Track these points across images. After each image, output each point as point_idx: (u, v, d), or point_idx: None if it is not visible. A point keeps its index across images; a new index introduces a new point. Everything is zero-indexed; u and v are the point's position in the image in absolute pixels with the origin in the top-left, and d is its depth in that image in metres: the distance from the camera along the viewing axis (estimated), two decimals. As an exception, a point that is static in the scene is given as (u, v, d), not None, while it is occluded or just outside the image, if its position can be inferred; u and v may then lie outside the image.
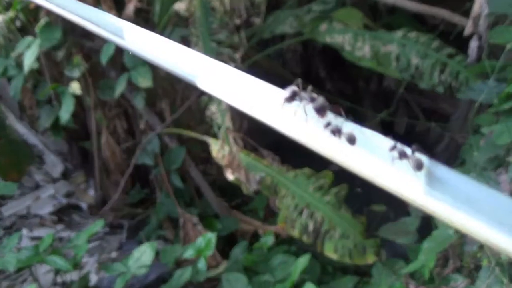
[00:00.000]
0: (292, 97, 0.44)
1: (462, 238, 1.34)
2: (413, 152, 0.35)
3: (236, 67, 2.00)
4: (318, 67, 2.69)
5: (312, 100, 0.44)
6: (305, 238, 1.62)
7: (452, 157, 2.01)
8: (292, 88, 0.44)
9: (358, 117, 2.54)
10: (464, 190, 0.28)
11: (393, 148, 0.36)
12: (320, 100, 0.43)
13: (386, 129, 2.47)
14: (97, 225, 1.61)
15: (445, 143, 2.20)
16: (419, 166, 0.34)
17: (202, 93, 1.85)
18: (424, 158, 0.31)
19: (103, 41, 1.82)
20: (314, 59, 2.69)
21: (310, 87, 0.48)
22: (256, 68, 2.41)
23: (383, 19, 2.28)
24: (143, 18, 1.91)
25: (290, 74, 2.63)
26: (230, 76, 0.40)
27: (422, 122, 2.41)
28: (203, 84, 0.39)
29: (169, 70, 0.42)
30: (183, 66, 0.40)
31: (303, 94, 0.41)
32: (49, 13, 1.87)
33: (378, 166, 0.32)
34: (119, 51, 1.84)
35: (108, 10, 1.84)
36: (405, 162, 0.32)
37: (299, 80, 0.39)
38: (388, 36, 1.88)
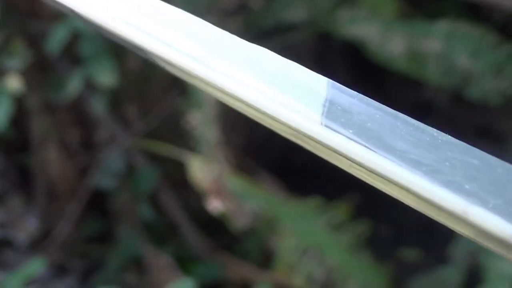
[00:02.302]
0: None
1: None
2: None
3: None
4: (338, 68, 2.70)
5: None
6: (311, 290, 1.62)
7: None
8: None
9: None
10: (364, 119, 0.31)
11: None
12: None
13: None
14: (37, 265, 1.60)
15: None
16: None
17: (181, 93, 1.86)
18: (325, 82, 0.33)
19: (55, 20, 1.83)
20: (333, 56, 2.70)
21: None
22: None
23: (425, 6, 2.29)
24: None
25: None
26: None
27: (472, 143, 2.41)
28: None
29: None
30: None
31: None
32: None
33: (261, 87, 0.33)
34: (75, 37, 1.85)
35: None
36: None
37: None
38: (427, 28, 1.89)
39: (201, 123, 1.77)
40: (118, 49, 1.86)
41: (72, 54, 1.94)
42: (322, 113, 0.31)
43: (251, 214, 1.71)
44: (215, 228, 2.10)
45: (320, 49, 2.62)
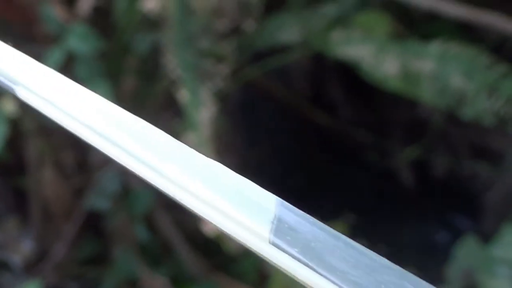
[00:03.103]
0: None
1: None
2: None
3: (223, 86, 2.01)
4: (333, 89, 2.70)
5: None
6: (307, 310, 1.61)
7: (505, 207, 2.02)
8: None
9: (383, 153, 2.55)
10: (309, 238, 0.32)
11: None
12: None
13: (419, 170, 2.47)
14: (33, 287, 1.60)
15: (497, 190, 2.20)
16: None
17: (176, 115, 1.86)
18: (274, 200, 0.34)
19: (51, 43, 1.83)
20: (328, 78, 2.70)
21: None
22: (251, 88, 2.42)
23: (418, 26, 2.30)
24: (100, 19, 1.93)
25: (295, 97, 2.65)
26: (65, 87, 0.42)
27: (467, 163, 2.42)
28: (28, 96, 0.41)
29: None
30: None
31: None
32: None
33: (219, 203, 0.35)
34: (71, 59, 1.85)
35: (56, 5, 1.86)
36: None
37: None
38: (421, 49, 1.89)
39: (195, 144, 1.78)
40: (113, 71, 1.87)
41: (67, 76, 1.94)
42: (271, 230, 0.32)
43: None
44: (210, 249, 2.10)
45: (314, 70, 2.63)
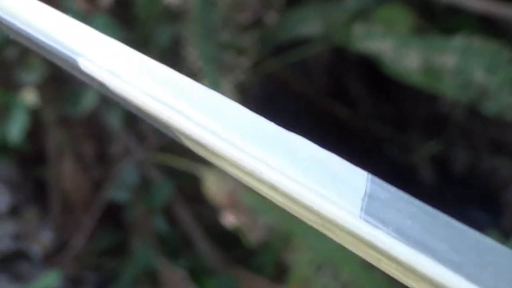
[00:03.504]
0: None
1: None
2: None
3: (244, 79, 2.01)
4: (353, 83, 2.69)
5: None
6: (325, 304, 1.62)
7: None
8: None
9: (403, 148, 2.54)
10: (403, 216, 0.31)
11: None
12: None
13: (439, 165, 2.46)
14: (52, 278, 1.61)
15: (517, 186, 2.19)
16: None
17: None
18: (365, 176, 0.33)
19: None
20: (348, 71, 2.70)
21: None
22: (271, 81, 2.42)
23: (440, 21, 2.29)
24: (122, 11, 1.93)
25: (315, 90, 2.64)
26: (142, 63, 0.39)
27: (488, 159, 2.40)
28: (94, 69, 0.39)
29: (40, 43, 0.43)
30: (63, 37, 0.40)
31: None
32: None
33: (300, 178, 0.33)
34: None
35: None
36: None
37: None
38: (443, 43, 1.89)
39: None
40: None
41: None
42: (361, 208, 0.31)
43: (265, 228, 1.71)
44: (229, 242, 2.09)
45: (335, 63, 2.62)
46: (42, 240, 2.34)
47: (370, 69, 2.37)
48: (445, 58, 1.84)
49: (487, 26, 2.20)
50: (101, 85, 0.39)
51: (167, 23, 1.91)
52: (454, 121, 2.38)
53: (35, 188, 2.42)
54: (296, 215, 0.34)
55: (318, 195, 0.32)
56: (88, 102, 1.90)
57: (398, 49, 1.91)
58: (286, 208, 0.34)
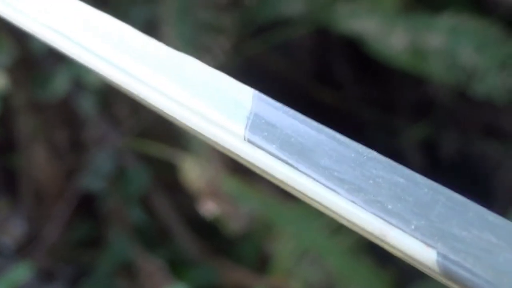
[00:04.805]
0: None
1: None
2: None
3: (224, 60, 2.00)
4: (337, 65, 2.69)
5: None
6: (309, 295, 1.61)
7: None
8: None
9: (390, 132, 2.54)
10: (288, 133, 0.31)
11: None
12: None
13: (428, 150, 2.46)
14: (23, 270, 1.60)
15: (508, 170, 2.20)
16: None
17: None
18: (251, 93, 0.33)
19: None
20: (332, 53, 2.69)
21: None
22: (253, 63, 2.41)
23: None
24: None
25: (299, 73, 2.63)
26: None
27: (477, 143, 2.40)
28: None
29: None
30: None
31: None
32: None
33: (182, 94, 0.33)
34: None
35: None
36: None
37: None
38: (430, 22, 1.88)
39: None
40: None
41: (59, 51, 1.92)
42: (246, 126, 0.31)
43: (246, 216, 1.71)
44: (209, 231, 2.09)
45: (319, 45, 2.61)
46: (13, 231, 2.33)
47: (356, 50, 2.36)
48: (432, 37, 1.83)
49: (476, 3, 2.19)
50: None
51: (143, 2, 1.89)
52: (442, 103, 2.38)
53: (5, 177, 2.40)
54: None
55: (203, 117, 0.32)
56: (59, 85, 1.89)
57: (383, 29, 1.90)
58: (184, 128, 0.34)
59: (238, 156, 0.31)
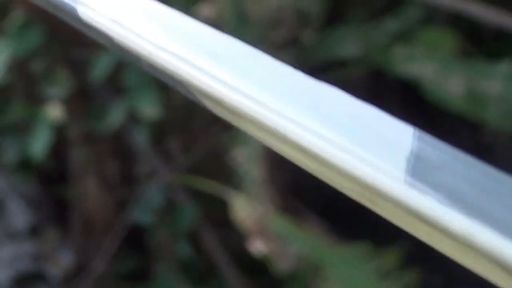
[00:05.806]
0: None
1: None
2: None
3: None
4: (393, 106, 2.68)
5: None
6: None
7: None
8: None
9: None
10: (456, 179, 0.27)
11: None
12: None
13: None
14: (70, 301, 1.60)
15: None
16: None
17: (226, 127, 1.87)
18: (411, 133, 0.29)
19: (97, 49, 1.85)
20: (387, 95, 2.69)
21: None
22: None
23: (486, 44, 2.28)
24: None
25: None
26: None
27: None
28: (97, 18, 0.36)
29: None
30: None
31: None
32: (27, 5, 1.90)
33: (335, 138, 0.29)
34: (119, 67, 1.87)
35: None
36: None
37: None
38: (488, 69, 1.88)
39: (246, 159, 1.78)
40: (162, 82, 1.88)
41: (115, 84, 1.95)
42: (406, 170, 0.27)
43: (294, 257, 1.71)
44: (256, 270, 2.09)
45: (374, 86, 2.61)
46: (61, 261, 2.34)
47: (411, 93, 2.36)
48: (490, 84, 1.83)
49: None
50: (104, 36, 0.36)
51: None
52: (498, 150, 2.36)
53: (56, 207, 2.42)
54: (330, 182, 0.30)
55: (354, 156, 0.28)
56: (114, 118, 1.90)
57: (440, 73, 1.90)
58: (318, 174, 0.30)
59: (395, 201, 0.27)
